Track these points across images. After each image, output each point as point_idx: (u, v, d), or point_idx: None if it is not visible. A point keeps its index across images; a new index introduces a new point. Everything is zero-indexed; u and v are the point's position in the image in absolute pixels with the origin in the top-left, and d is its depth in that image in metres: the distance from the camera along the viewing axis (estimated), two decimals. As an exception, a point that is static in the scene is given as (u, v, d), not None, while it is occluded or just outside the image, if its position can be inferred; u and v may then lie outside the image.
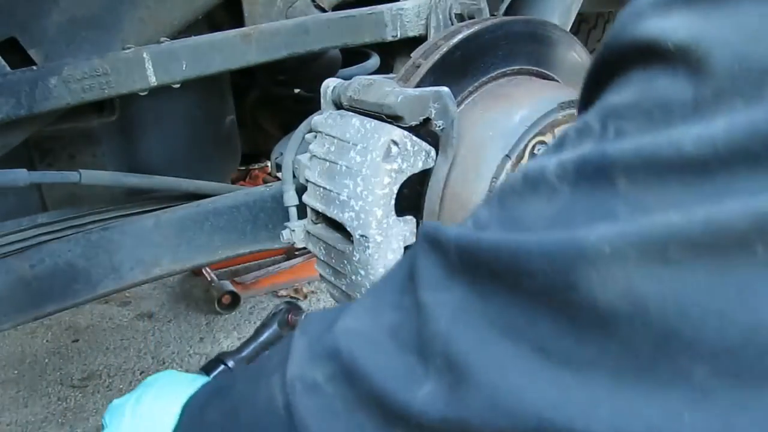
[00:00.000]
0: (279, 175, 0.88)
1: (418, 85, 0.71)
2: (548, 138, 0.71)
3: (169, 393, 0.60)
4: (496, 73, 0.76)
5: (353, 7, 0.94)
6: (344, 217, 0.68)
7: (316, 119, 0.78)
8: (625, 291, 0.23)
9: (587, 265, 0.24)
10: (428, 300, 0.31)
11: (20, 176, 0.74)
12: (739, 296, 0.22)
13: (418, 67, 0.73)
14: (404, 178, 0.67)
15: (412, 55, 0.76)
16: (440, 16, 0.89)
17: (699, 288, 0.23)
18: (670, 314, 0.23)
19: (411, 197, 0.70)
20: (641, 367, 0.23)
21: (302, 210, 0.79)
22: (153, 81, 0.78)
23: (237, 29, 0.85)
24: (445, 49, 0.73)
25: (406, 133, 0.66)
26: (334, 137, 0.72)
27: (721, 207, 0.22)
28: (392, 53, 1.08)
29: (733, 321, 0.22)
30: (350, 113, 0.74)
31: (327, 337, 0.39)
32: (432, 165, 0.69)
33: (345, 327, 0.37)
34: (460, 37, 0.74)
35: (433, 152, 0.68)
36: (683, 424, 0.22)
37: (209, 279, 2.16)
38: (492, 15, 0.88)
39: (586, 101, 0.31)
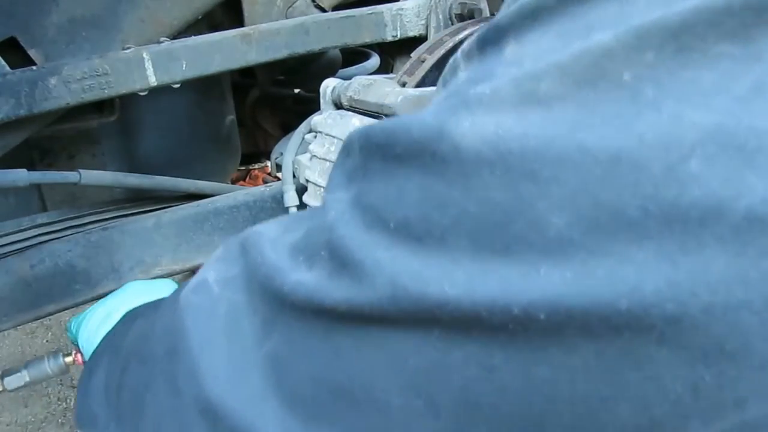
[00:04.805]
0: (279, 175, 0.88)
1: (422, 79, 0.71)
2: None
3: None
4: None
5: (353, 7, 0.94)
6: (344, 217, 0.68)
7: (316, 119, 0.78)
8: (491, 135, 0.23)
9: (466, 112, 0.24)
10: (327, 199, 0.31)
11: (20, 176, 0.74)
12: (603, 125, 0.21)
13: (423, 62, 0.73)
14: (404, 178, 0.66)
15: (413, 52, 0.76)
16: (440, 16, 0.89)
17: (563, 122, 0.22)
18: (530, 153, 0.22)
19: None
20: (499, 225, 0.23)
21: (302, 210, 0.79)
22: (153, 81, 0.78)
23: (237, 29, 0.85)
24: (450, 45, 0.73)
25: (406, 133, 0.66)
26: (334, 137, 0.72)
27: (590, 39, 0.22)
28: (392, 53, 1.08)
29: (594, 153, 0.21)
30: (350, 113, 0.74)
31: (234, 239, 0.38)
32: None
33: (257, 230, 0.37)
34: (465, 33, 0.74)
35: (433, 152, 0.68)
36: (539, 278, 0.21)
37: (209, 279, 2.15)
38: (492, 15, 0.88)
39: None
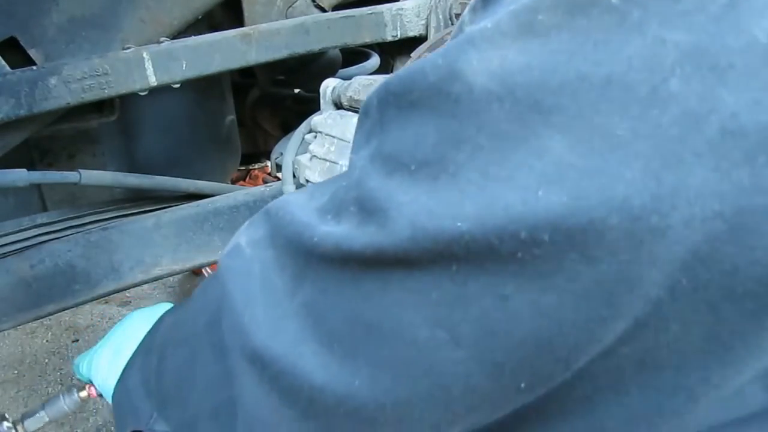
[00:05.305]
0: (279, 175, 0.88)
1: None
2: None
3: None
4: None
5: (353, 7, 0.94)
6: (344, 217, 0.68)
7: (316, 119, 0.78)
8: (498, 69, 0.24)
9: (472, 48, 0.25)
10: (351, 159, 0.33)
11: (20, 176, 0.74)
12: (596, 51, 0.22)
13: (421, 63, 0.73)
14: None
15: (413, 52, 0.76)
16: (440, 16, 0.89)
17: (561, 51, 0.23)
18: (534, 83, 0.23)
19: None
20: (505, 154, 0.24)
21: (302, 210, 0.79)
22: (153, 81, 0.78)
23: (237, 29, 0.85)
24: (448, 46, 0.73)
25: (406, 133, 0.66)
26: (334, 137, 0.72)
27: None
28: (392, 53, 1.08)
29: (590, 79, 0.22)
30: (350, 113, 0.74)
31: (261, 210, 0.41)
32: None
33: (282, 198, 0.39)
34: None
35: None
36: (537, 200, 0.23)
37: (209, 279, 2.15)
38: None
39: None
